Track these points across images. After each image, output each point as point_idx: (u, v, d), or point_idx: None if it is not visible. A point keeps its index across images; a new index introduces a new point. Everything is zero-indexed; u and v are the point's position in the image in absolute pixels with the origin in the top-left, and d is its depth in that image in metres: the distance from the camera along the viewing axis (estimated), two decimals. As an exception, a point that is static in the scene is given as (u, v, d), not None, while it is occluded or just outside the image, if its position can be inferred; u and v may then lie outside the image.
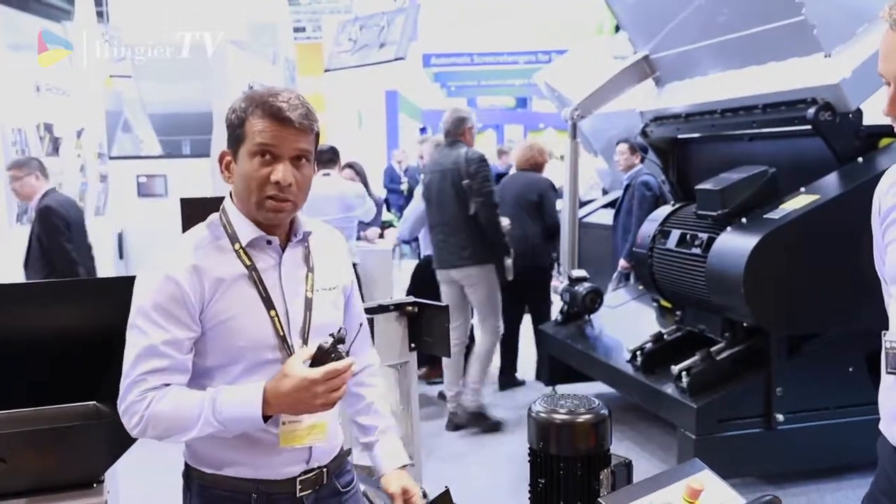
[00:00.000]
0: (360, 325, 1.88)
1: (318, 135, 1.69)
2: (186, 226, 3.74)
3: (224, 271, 1.64)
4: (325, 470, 1.77)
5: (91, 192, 6.61)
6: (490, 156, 13.85)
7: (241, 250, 1.66)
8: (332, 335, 1.61)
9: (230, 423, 1.57)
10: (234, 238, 1.67)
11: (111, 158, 7.65)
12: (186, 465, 1.74)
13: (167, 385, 1.59)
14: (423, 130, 19.21)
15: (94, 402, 1.91)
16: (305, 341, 1.69)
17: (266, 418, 1.59)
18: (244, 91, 1.69)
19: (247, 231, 1.67)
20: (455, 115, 5.10)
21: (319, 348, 1.60)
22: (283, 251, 1.71)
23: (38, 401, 1.86)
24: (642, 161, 6.12)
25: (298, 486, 1.72)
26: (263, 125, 1.59)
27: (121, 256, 7.93)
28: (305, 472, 1.73)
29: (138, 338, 1.60)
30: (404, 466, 1.91)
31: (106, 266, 6.72)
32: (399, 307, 3.41)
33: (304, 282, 1.72)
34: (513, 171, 6.43)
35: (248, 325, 1.64)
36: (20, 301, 1.84)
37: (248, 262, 1.66)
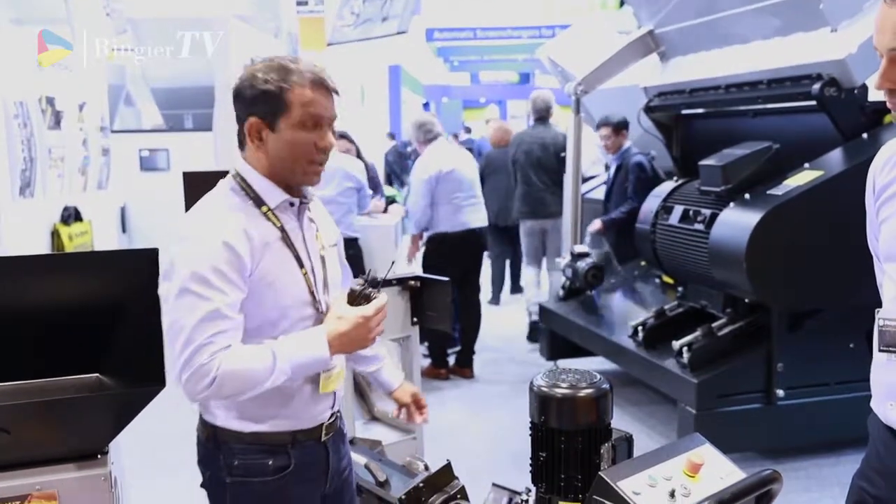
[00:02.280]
0: (369, 271, 1.96)
1: None
2: (189, 199, 3.72)
3: (265, 234, 1.73)
4: (338, 414, 1.95)
5: (93, 166, 6.59)
6: (481, 127, 13.72)
7: (269, 213, 1.75)
8: (363, 277, 1.83)
9: (299, 369, 1.72)
10: (258, 202, 1.74)
11: (113, 132, 7.62)
12: (215, 430, 1.80)
13: (230, 346, 1.65)
14: (425, 106, 19.11)
15: (98, 375, 1.91)
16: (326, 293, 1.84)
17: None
18: (258, 61, 1.73)
19: (276, 194, 1.75)
20: (546, 104, 6.68)
21: (352, 291, 1.79)
22: (301, 213, 1.83)
23: (42, 373, 1.87)
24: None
25: (324, 432, 1.88)
26: (312, 96, 1.69)
27: (124, 230, 7.93)
28: (328, 418, 1.90)
29: (198, 303, 1.63)
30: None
31: (109, 240, 6.72)
32: (401, 282, 3.41)
33: (316, 240, 1.86)
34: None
35: (288, 283, 1.75)
36: (24, 273, 1.84)
37: (278, 224, 1.76)
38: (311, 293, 1.79)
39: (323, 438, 1.88)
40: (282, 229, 1.75)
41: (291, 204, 1.79)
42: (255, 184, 1.75)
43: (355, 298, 1.78)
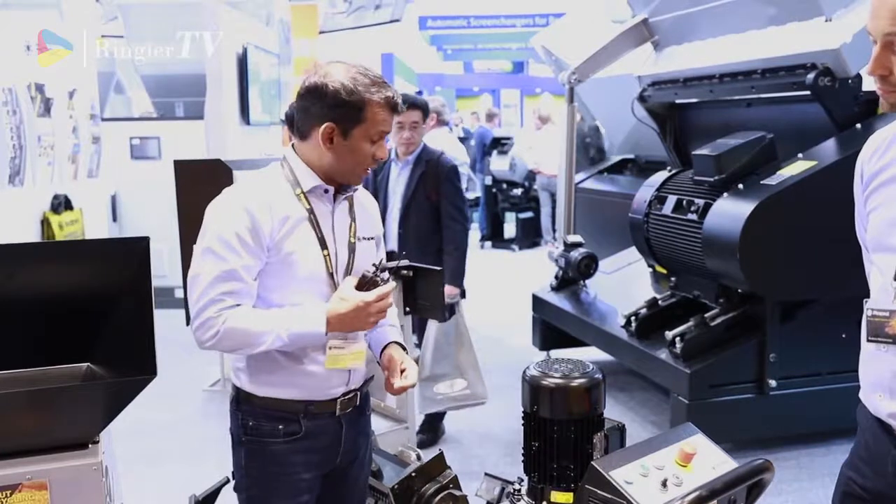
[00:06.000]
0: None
1: None
2: (180, 187, 3.70)
3: (291, 211, 1.91)
4: (358, 393, 2.07)
5: (84, 154, 6.55)
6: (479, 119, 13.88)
7: (301, 195, 1.93)
8: (374, 265, 1.97)
9: (296, 339, 1.87)
10: (295, 184, 1.94)
11: (104, 120, 7.56)
12: (238, 391, 2.01)
13: (239, 305, 1.85)
14: (418, 94, 19.01)
15: (89, 364, 1.90)
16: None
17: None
18: (336, 63, 1.90)
19: (309, 179, 1.94)
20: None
21: (363, 276, 1.94)
22: (335, 202, 1.99)
23: (32, 362, 1.86)
24: None
25: (338, 407, 2.01)
26: (384, 116, 1.89)
27: (114, 219, 7.89)
28: (345, 394, 2.02)
29: (216, 262, 1.84)
30: (401, 346, 2.12)
31: (100, 229, 6.69)
32: (394, 271, 3.39)
33: (349, 230, 2.02)
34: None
35: (307, 259, 1.91)
36: (14, 262, 1.82)
37: (307, 206, 1.93)
38: (330, 274, 1.94)
39: (337, 413, 2.01)
40: (310, 210, 1.92)
41: (326, 191, 1.96)
42: (296, 169, 1.94)
43: (364, 284, 1.92)
